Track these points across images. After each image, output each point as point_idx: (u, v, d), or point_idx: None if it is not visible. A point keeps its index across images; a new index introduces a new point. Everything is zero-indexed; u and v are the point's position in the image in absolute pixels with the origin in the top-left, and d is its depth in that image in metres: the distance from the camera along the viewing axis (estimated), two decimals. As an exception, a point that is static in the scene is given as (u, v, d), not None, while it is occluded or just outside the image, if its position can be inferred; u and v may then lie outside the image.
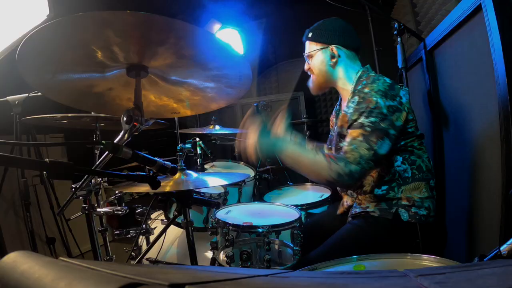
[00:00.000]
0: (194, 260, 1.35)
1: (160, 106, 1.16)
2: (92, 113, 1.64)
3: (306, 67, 1.68)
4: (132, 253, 1.79)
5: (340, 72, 1.59)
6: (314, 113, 4.11)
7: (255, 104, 3.51)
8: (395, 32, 2.01)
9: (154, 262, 1.76)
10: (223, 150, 3.66)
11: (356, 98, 1.42)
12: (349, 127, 1.41)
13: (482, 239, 1.56)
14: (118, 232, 1.92)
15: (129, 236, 1.92)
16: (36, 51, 0.82)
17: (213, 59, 0.97)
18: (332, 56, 1.57)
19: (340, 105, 1.73)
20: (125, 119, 0.92)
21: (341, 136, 1.51)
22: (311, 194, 2.27)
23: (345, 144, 1.37)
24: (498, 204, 1.37)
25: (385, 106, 1.36)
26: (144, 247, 1.90)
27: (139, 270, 0.40)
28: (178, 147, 1.60)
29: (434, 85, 1.98)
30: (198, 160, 2.01)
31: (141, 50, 0.88)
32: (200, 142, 1.98)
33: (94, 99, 1.08)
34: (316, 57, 1.61)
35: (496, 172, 1.38)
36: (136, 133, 0.94)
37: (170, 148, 1.79)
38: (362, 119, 1.36)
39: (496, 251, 0.75)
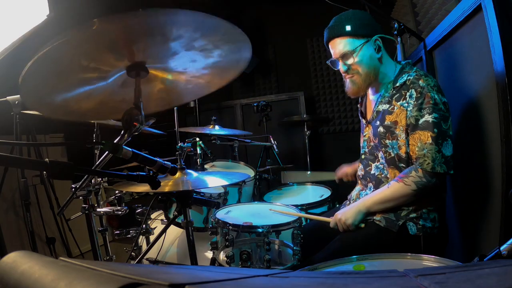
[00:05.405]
0: (194, 260, 1.35)
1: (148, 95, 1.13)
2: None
3: (343, 68, 1.50)
4: (132, 253, 1.79)
5: (384, 66, 1.50)
6: (314, 113, 4.11)
7: (254, 104, 3.52)
8: (395, 32, 2.01)
9: (154, 262, 1.75)
10: (223, 150, 3.66)
11: (413, 92, 1.38)
12: (414, 127, 1.37)
13: (482, 239, 1.56)
14: (118, 232, 1.92)
15: (129, 236, 1.92)
16: (39, 79, 0.82)
17: (215, 43, 0.95)
18: (378, 49, 1.46)
19: (364, 97, 1.69)
20: (125, 119, 0.92)
21: (390, 132, 1.45)
22: (311, 194, 2.27)
23: (416, 149, 1.36)
24: (498, 204, 1.37)
25: (441, 102, 1.36)
26: (144, 247, 1.90)
27: (139, 270, 0.40)
28: (178, 147, 1.59)
29: (434, 85, 1.98)
30: (198, 160, 2.01)
31: (145, 49, 0.87)
32: (200, 142, 1.98)
33: (101, 107, 1.08)
34: (362, 52, 1.45)
35: (496, 172, 1.39)
36: (136, 133, 0.94)
37: (170, 148, 1.79)
38: (426, 117, 1.35)
39: (496, 251, 0.75)
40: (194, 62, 0.98)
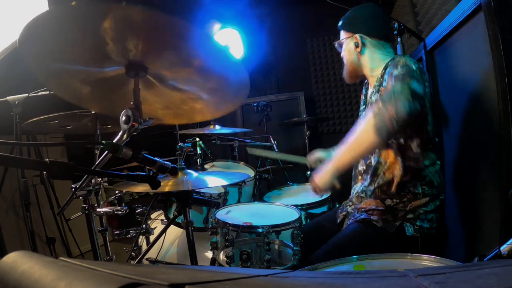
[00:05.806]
0: (194, 260, 1.35)
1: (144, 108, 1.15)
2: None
3: (341, 54, 1.72)
4: (132, 253, 1.79)
5: (365, 60, 1.60)
6: (314, 112, 4.11)
7: (254, 104, 3.52)
8: (395, 32, 2.00)
9: (154, 262, 1.75)
10: (223, 150, 3.66)
11: (389, 68, 1.41)
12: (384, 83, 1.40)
13: (482, 239, 1.56)
14: (118, 232, 1.91)
15: (129, 236, 1.92)
16: (40, 39, 0.83)
17: (217, 71, 0.97)
18: (356, 45, 1.59)
19: (366, 93, 1.71)
20: (123, 119, 0.92)
21: None
22: (311, 194, 2.27)
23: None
24: (498, 204, 1.37)
25: (415, 69, 1.34)
26: (144, 247, 1.89)
27: (139, 270, 0.40)
28: (178, 147, 1.59)
29: (434, 85, 1.98)
30: (198, 160, 2.01)
31: (145, 49, 0.88)
32: (200, 142, 1.98)
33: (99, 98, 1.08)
34: (345, 45, 1.64)
35: (496, 172, 1.38)
36: (135, 133, 0.94)
37: (170, 148, 1.79)
38: (394, 72, 1.34)
39: (496, 251, 0.75)
40: (191, 82, 1.00)
